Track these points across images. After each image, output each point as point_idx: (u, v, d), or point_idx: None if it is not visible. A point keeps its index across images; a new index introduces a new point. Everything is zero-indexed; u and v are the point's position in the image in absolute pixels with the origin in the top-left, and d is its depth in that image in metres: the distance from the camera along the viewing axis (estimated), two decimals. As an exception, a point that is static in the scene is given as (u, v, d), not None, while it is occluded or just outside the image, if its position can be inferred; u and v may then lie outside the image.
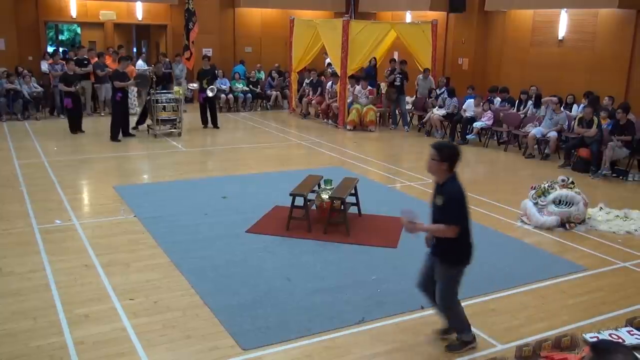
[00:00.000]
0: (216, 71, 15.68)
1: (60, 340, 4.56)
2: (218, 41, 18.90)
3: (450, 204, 4.21)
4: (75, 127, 13.13)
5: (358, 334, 4.79)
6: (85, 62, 15.39)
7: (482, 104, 13.33)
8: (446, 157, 4.20)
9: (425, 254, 4.62)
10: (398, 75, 14.96)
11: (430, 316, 5.12)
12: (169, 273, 5.87)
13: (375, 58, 16.27)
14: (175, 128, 13.33)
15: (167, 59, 17.35)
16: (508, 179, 10.46)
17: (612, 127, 10.76)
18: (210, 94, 14.22)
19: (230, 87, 17.44)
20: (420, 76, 15.50)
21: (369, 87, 15.31)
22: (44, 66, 15.83)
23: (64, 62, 14.90)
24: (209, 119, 14.49)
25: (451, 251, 4.33)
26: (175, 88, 13.64)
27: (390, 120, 15.79)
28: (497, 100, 13.99)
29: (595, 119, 10.99)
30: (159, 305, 5.17)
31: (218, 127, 14.42)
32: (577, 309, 5.37)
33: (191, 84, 15.26)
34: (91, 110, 15.95)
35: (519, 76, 15.43)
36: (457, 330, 4.59)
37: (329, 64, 17.61)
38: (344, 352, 4.52)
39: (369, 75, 15.96)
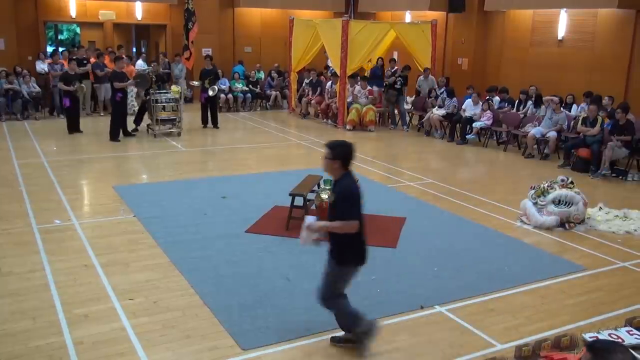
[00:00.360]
0: (217, 71, 15.67)
1: (60, 340, 4.56)
2: (217, 41, 18.89)
3: (342, 201, 4.23)
4: (73, 127, 13.11)
5: (357, 334, 4.79)
6: (85, 62, 15.40)
7: (481, 103, 13.34)
8: (338, 155, 4.24)
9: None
10: (399, 78, 15.00)
11: (430, 316, 5.13)
12: (169, 273, 5.87)
13: (382, 58, 16.37)
14: (175, 128, 13.33)
15: (167, 59, 17.34)
16: (507, 179, 10.46)
17: (612, 127, 10.77)
18: (211, 93, 14.23)
19: (229, 87, 17.44)
20: (422, 77, 15.49)
21: (376, 87, 15.37)
22: (39, 66, 15.81)
23: (63, 62, 14.92)
24: (209, 118, 14.49)
25: (345, 250, 4.32)
26: (173, 87, 13.62)
27: (390, 120, 15.79)
28: (496, 99, 13.99)
29: (599, 118, 11.00)
30: (158, 305, 5.17)
31: (218, 127, 14.42)
32: (576, 308, 5.37)
33: (193, 82, 15.27)
34: (91, 109, 15.96)
35: (518, 76, 15.43)
36: (350, 328, 4.45)
37: (327, 66, 17.63)
38: (344, 352, 4.52)
39: (375, 75, 16.00)
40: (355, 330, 4.45)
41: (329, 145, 4.30)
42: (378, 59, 16.36)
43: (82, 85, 13.64)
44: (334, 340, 4.60)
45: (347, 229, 4.22)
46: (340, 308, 4.45)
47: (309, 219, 4.38)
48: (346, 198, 4.23)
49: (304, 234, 4.36)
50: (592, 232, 7.52)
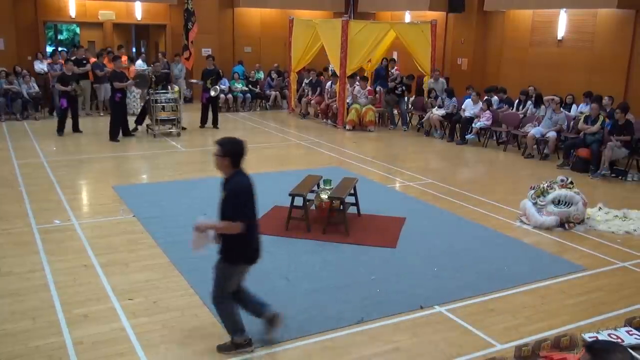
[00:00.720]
0: (219, 71, 15.64)
1: (59, 340, 4.56)
2: (217, 41, 18.88)
3: (232, 199, 4.19)
4: (62, 128, 12.89)
5: (357, 334, 4.79)
6: (84, 62, 15.39)
7: (481, 103, 13.33)
8: (228, 152, 4.23)
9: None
10: (400, 85, 15.05)
11: (430, 316, 5.13)
12: (168, 273, 5.87)
13: (386, 59, 16.43)
14: (174, 128, 13.33)
15: (165, 59, 17.32)
16: (507, 179, 10.46)
17: (611, 127, 10.77)
18: (213, 93, 14.23)
19: (229, 87, 17.43)
20: (432, 79, 15.40)
21: (380, 88, 15.36)
22: (38, 66, 15.81)
23: (63, 62, 14.91)
24: (210, 118, 14.47)
25: (234, 249, 4.29)
26: (176, 88, 13.62)
27: (389, 120, 15.76)
28: (495, 99, 13.99)
29: (601, 116, 11.00)
30: (158, 306, 5.17)
31: (218, 128, 14.41)
32: (576, 308, 5.37)
33: (192, 80, 15.25)
34: (91, 109, 15.95)
35: (518, 76, 15.44)
36: (229, 331, 4.46)
37: (327, 67, 17.64)
38: (343, 352, 4.52)
39: (380, 75, 16.02)
40: (232, 339, 4.44)
41: (219, 142, 4.29)
42: (383, 59, 16.45)
43: (80, 85, 13.59)
44: (221, 349, 4.46)
45: (230, 230, 4.18)
46: (228, 315, 4.42)
47: (199, 219, 4.31)
48: (238, 196, 4.20)
49: (194, 236, 4.27)
50: (591, 232, 7.52)
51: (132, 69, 15.55)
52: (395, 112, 15.65)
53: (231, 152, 4.23)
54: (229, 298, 4.43)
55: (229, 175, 4.27)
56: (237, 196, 4.19)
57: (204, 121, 14.51)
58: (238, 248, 4.28)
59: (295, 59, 16.88)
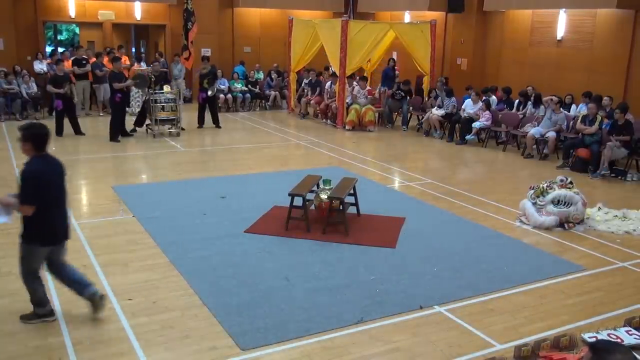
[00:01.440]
0: (216, 71, 15.64)
1: (59, 340, 4.56)
2: (217, 41, 18.89)
3: (21, 182, 4.43)
4: (61, 130, 12.84)
5: (357, 334, 4.79)
6: (84, 62, 15.39)
7: (481, 102, 13.33)
8: (28, 137, 4.47)
9: None
10: (399, 92, 15.07)
11: (430, 316, 5.14)
12: (168, 273, 5.87)
13: (393, 59, 16.42)
14: (174, 128, 13.33)
15: (163, 59, 17.31)
16: (507, 179, 10.46)
17: (610, 127, 10.77)
18: (210, 93, 14.24)
19: (229, 87, 17.44)
20: (437, 89, 15.34)
21: (386, 88, 15.40)
22: (37, 66, 15.80)
23: (64, 62, 14.90)
24: (211, 118, 14.46)
25: (27, 228, 4.58)
26: (166, 88, 13.55)
27: (387, 119, 15.75)
28: (493, 99, 13.98)
29: (599, 117, 11.00)
30: (157, 305, 5.17)
31: (220, 127, 14.41)
32: (575, 308, 5.37)
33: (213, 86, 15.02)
34: (90, 109, 15.95)
35: (517, 76, 15.44)
36: (32, 303, 4.78)
37: (327, 67, 17.65)
38: (343, 352, 4.52)
39: (388, 76, 16.04)
40: (36, 310, 4.79)
41: (21, 127, 4.50)
42: (389, 59, 16.48)
43: (71, 86, 13.40)
44: (24, 318, 4.80)
45: (21, 210, 4.48)
46: (33, 291, 4.74)
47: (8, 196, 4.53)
48: (26, 180, 4.41)
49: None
50: (591, 232, 7.53)
51: (133, 69, 15.53)
52: (392, 113, 15.67)
53: (31, 137, 4.46)
54: (34, 274, 4.73)
55: (28, 159, 4.49)
56: (24, 181, 4.41)
57: (201, 121, 14.50)
58: (32, 229, 4.57)
59: (294, 59, 16.88)
